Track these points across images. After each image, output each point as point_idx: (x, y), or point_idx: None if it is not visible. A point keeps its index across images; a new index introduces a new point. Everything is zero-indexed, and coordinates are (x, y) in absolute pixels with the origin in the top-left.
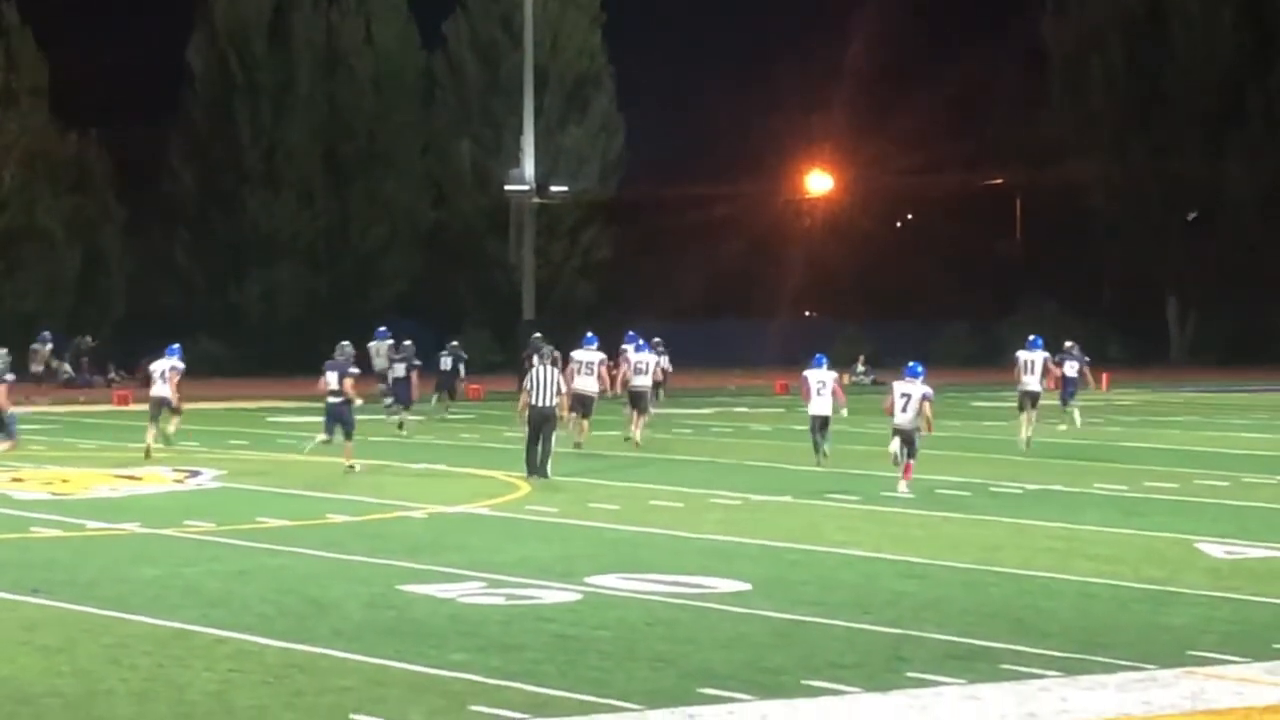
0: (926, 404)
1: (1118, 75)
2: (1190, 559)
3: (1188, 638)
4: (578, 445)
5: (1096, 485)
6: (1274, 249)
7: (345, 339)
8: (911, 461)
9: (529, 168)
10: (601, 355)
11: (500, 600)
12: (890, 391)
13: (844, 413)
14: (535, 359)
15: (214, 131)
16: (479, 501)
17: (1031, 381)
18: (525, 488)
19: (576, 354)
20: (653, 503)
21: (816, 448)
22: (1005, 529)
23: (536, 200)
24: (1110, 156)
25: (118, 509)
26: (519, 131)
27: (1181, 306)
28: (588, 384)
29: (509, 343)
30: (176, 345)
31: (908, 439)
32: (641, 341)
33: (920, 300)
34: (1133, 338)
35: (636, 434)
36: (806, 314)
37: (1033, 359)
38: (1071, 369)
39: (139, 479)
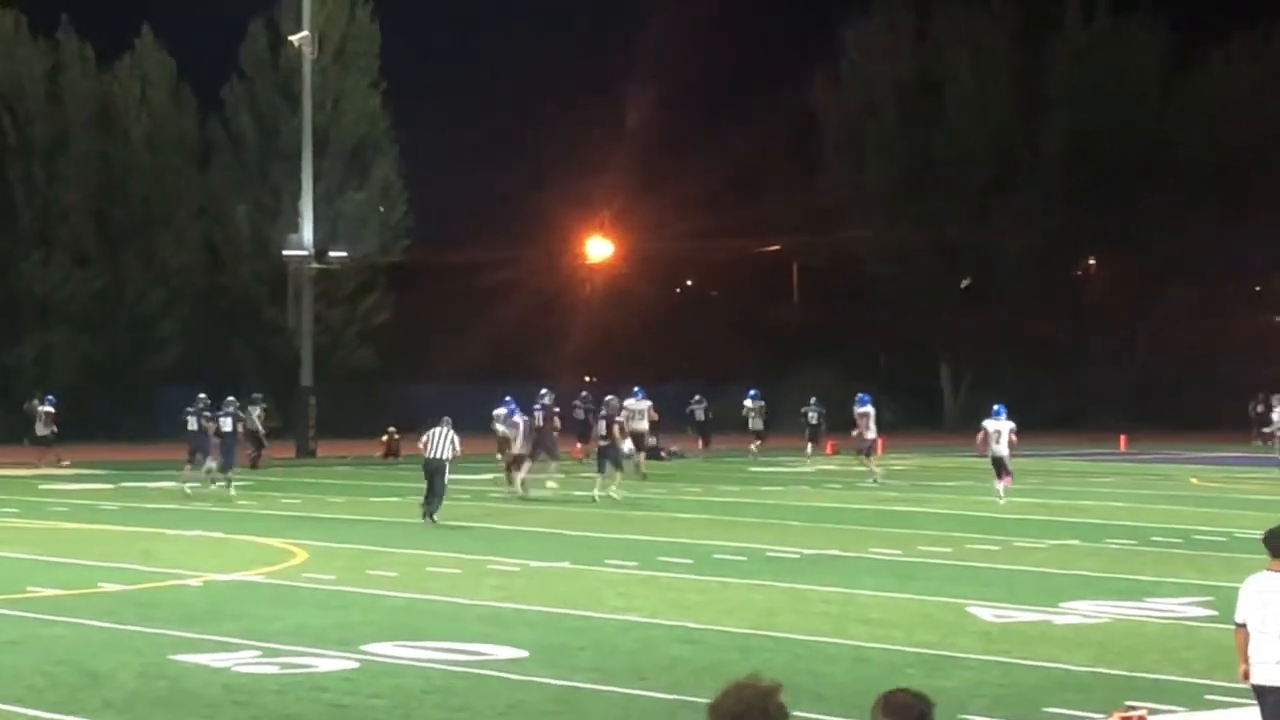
0: (1012, 434)
1: (891, 143)
2: (962, 623)
3: (959, 701)
4: (644, 476)
5: (872, 550)
6: (1045, 316)
7: (121, 402)
8: (1009, 477)
9: (307, 233)
10: (649, 403)
11: (275, 669)
12: (982, 429)
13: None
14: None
15: None
16: (255, 569)
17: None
18: (302, 555)
19: (629, 402)
20: (431, 569)
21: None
22: (782, 594)
23: (315, 265)
24: (884, 223)
25: None
26: (298, 196)
27: (954, 372)
28: (641, 425)
29: (286, 408)
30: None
31: (1002, 463)
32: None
33: (700, 364)
34: (907, 402)
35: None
36: (587, 378)
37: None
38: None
39: None
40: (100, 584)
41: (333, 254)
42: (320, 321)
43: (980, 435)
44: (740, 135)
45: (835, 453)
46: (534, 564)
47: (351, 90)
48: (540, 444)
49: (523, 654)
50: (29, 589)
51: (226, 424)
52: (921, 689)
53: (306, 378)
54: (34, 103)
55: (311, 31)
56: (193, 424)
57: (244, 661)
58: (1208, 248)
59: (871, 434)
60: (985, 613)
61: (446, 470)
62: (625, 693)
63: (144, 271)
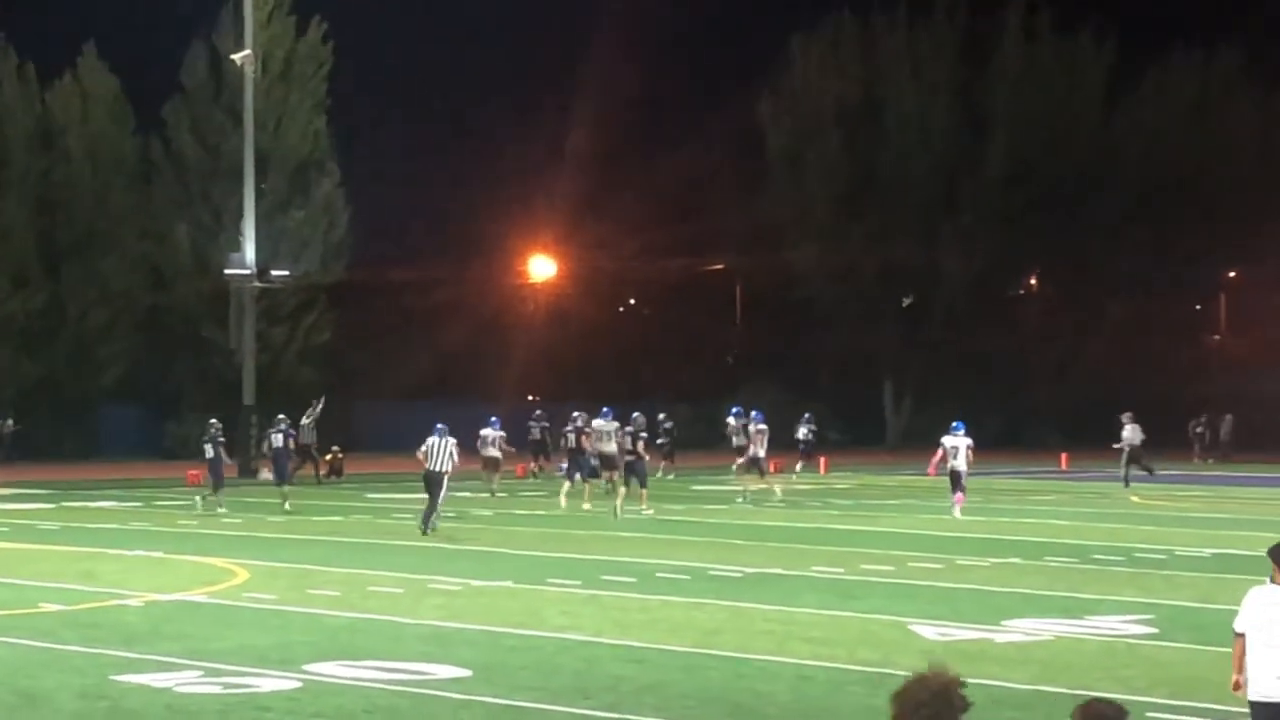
0: (969, 451)
1: (834, 163)
2: (905, 641)
3: None
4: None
5: (814, 568)
6: (986, 334)
7: (62, 422)
8: (961, 494)
9: (249, 252)
10: (617, 424)
11: (217, 689)
12: (941, 446)
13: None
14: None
15: None
16: (196, 589)
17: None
18: (244, 574)
19: (596, 423)
20: (372, 588)
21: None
22: (724, 612)
23: (257, 284)
24: (827, 242)
25: None
26: (240, 215)
27: (897, 391)
28: (608, 446)
29: (229, 427)
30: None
31: (959, 479)
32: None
33: (643, 383)
34: (850, 421)
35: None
36: (530, 398)
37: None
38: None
39: None
40: (40, 604)
41: (274, 273)
42: (262, 340)
43: (939, 453)
44: (684, 154)
45: (778, 471)
46: (476, 583)
47: (295, 109)
48: (575, 464)
49: (465, 673)
50: None
51: (278, 440)
52: (1114, 699)
53: (248, 397)
54: None
55: (254, 51)
56: (209, 451)
57: (186, 682)
58: (1148, 267)
59: (763, 451)
60: (927, 630)
61: (445, 482)
62: (568, 711)
63: (85, 290)
